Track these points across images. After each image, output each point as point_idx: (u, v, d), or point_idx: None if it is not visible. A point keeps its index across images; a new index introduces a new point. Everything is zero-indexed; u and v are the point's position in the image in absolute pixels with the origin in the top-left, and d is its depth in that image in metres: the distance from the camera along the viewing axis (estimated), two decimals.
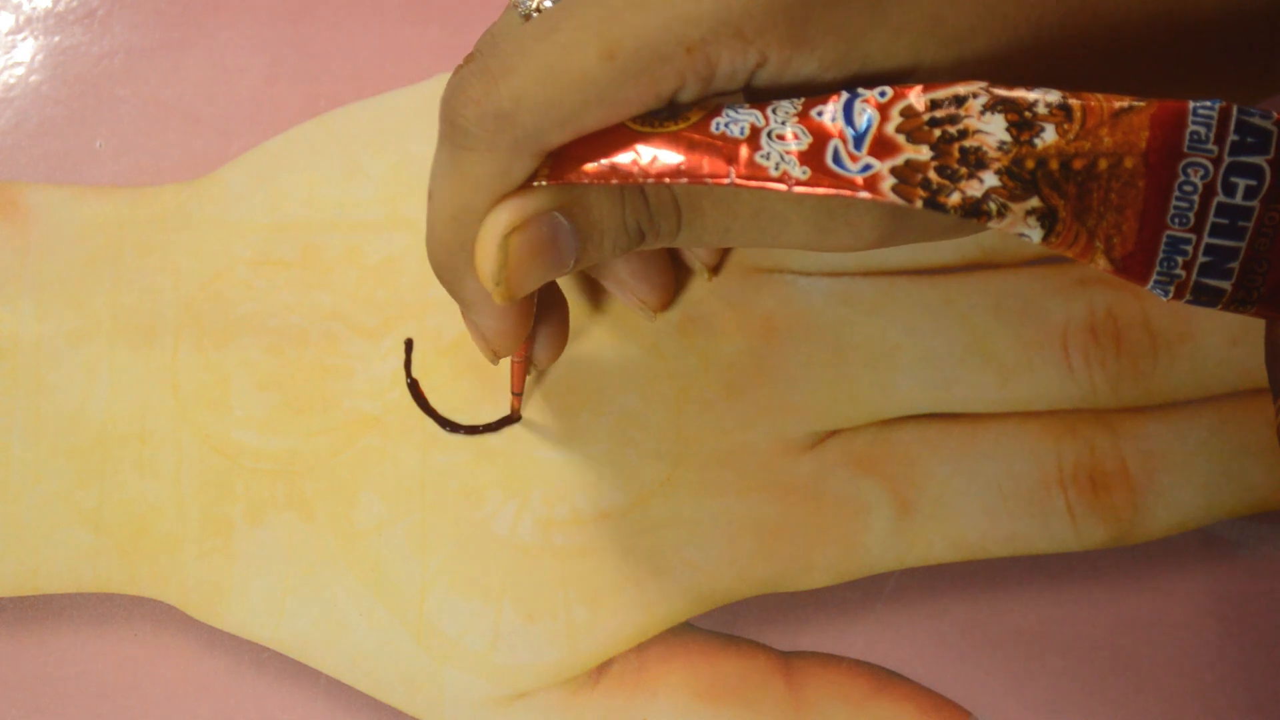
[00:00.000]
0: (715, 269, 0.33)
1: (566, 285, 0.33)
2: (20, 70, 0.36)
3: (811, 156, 0.22)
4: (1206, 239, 0.21)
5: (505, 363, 0.32)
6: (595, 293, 0.33)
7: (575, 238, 0.24)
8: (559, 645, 0.30)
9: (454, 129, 0.23)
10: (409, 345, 0.33)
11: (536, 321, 0.29)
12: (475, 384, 0.32)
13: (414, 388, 0.32)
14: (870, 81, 0.23)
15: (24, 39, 0.36)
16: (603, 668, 0.31)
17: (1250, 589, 0.32)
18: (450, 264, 0.25)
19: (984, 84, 0.21)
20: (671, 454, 0.32)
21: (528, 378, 0.32)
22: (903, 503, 0.31)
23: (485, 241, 0.24)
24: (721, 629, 0.31)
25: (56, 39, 0.36)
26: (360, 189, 0.34)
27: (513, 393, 0.31)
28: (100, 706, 0.31)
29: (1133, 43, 0.24)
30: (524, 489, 0.31)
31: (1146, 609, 0.31)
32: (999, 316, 0.32)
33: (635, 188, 0.24)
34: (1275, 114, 0.21)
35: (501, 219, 0.24)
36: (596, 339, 0.33)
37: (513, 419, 0.32)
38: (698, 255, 0.33)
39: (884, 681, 0.31)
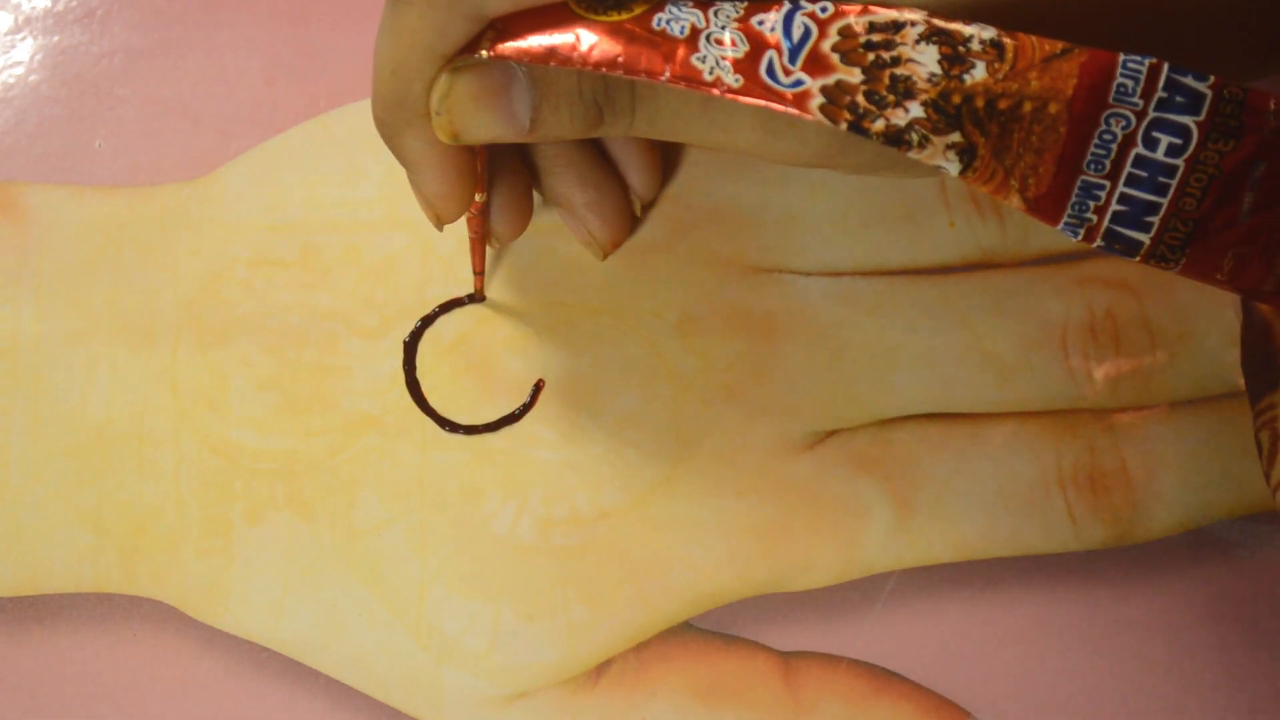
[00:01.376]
0: (648, 202, 0.33)
1: (568, 286, 0.33)
2: (19, 70, 0.36)
3: (746, 65, 0.22)
4: (1121, 188, 0.22)
5: (504, 363, 0.32)
6: (594, 293, 0.33)
7: (530, 94, 0.25)
8: (558, 645, 0.30)
9: None
10: (409, 345, 0.33)
11: (491, 192, 0.29)
12: (475, 384, 0.32)
13: (413, 387, 0.32)
14: None
15: (23, 39, 0.36)
16: (602, 667, 0.31)
17: (1249, 589, 0.32)
18: (390, 119, 0.25)
19: (924, 13, 0.22)
20: (671, 454, 0.32)
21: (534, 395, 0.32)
22: (902, 503, 0.31)
23: (437, 80, 0.24)
24: (720, 629, 0.31)
25: (56, 39, 0.36)
26: (359, 189, 0.34)
27: (474, 271, 0.31)
28: (99, 706, 0.31)
29: (1123, 12, 0.24)
30: (523, 489, 0.31)
31: (1145, 609, 0.31)
32: (998, 316, 0.32)
33: None
34: (1213, 77, 0.21)
35: (455, 61, 0.24)
36: (595, 339, 0.33)
37: (515, 417, 0.32)
38: (634, 184, 0.32)
39: (883, 681, 0.31)
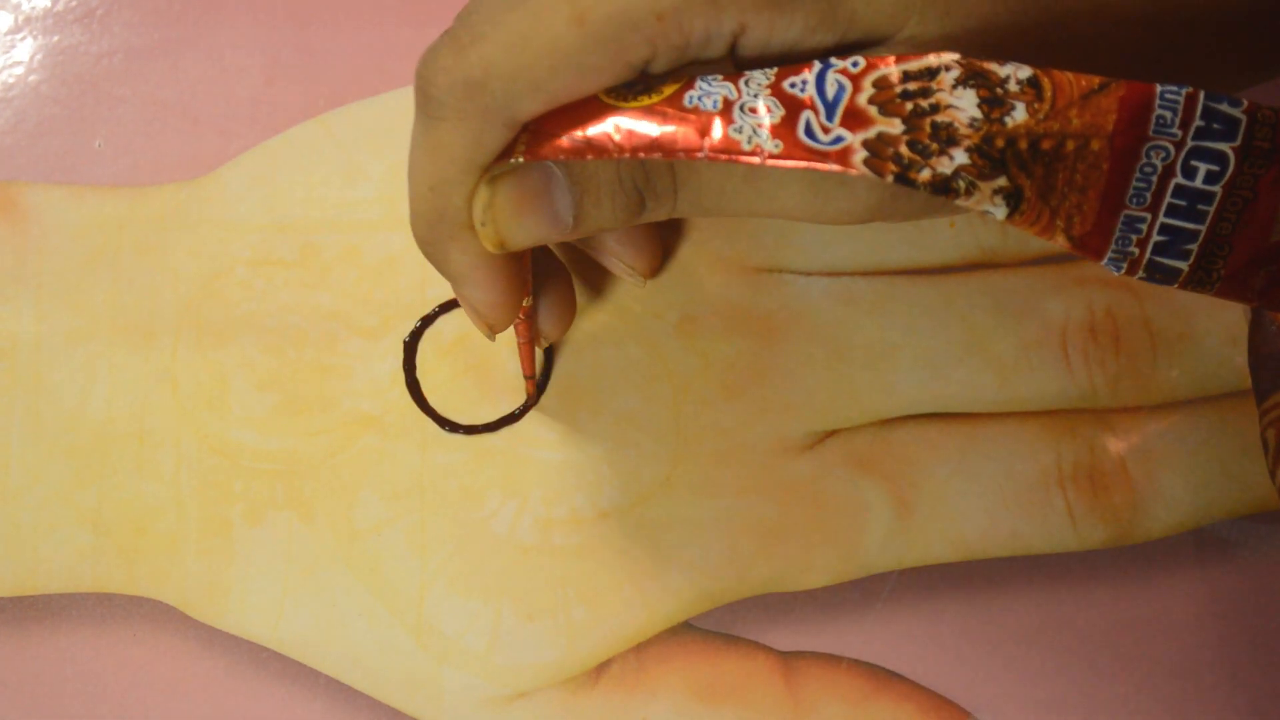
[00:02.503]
0: (648, 274, 0.32)
1: None
2: (19, 70, 0.36)
3: (783, 129, 0.22)
4: (1162, 219, 0.22)
5: (504, 363, 0.32)
6: (594, 293, 0.33)
7: (570, 192, 0.24)
8: (558, 645, 0.30)
9: (426, 99, 0.23)
10: (409, 345, 0.33)
11: (536, 294, 0.29)
12: (475, 384, 0.32)
13: (413, 387, 0.32)
14: (858, 45, 0.23)
15: (23, 38, 0.36)
16: (602, 667, 0.31)
17: (1249, 589, 0.32)
18: (432, 237, 0.25)
19: (957, 56, 0.21)
20: (671, 454, 0.32)
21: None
22: (902, 502, 0.31)
23: (478, 190, 0.24)
24: (721, 629, 0.31)
25: (55, 38, 0.36)
26: (359, 189, 0.34)
27: (525, 376, 0.31)
28: (99, 706, 0.31)
29: (1120, 24, 0.24)
30: (523, 489, 0.31)
31: (1145, 609, 0.31)
32: (998, 316, 0.32)
33: None
34: (1246, 102, 0.21)
35: (494, 168, 0.24)
36: (596, 339, 0.33)
37: (514, 417, 0.32)
38: (629, 262, 0.32)
39: (883, 681, 0.31)
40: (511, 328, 0.29)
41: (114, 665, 0.31)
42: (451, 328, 0.33)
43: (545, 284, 0.30)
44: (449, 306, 0.33)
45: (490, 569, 0.31)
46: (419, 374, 0.32)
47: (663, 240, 0.32)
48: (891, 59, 0.22)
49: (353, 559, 0.31)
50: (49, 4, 0.36)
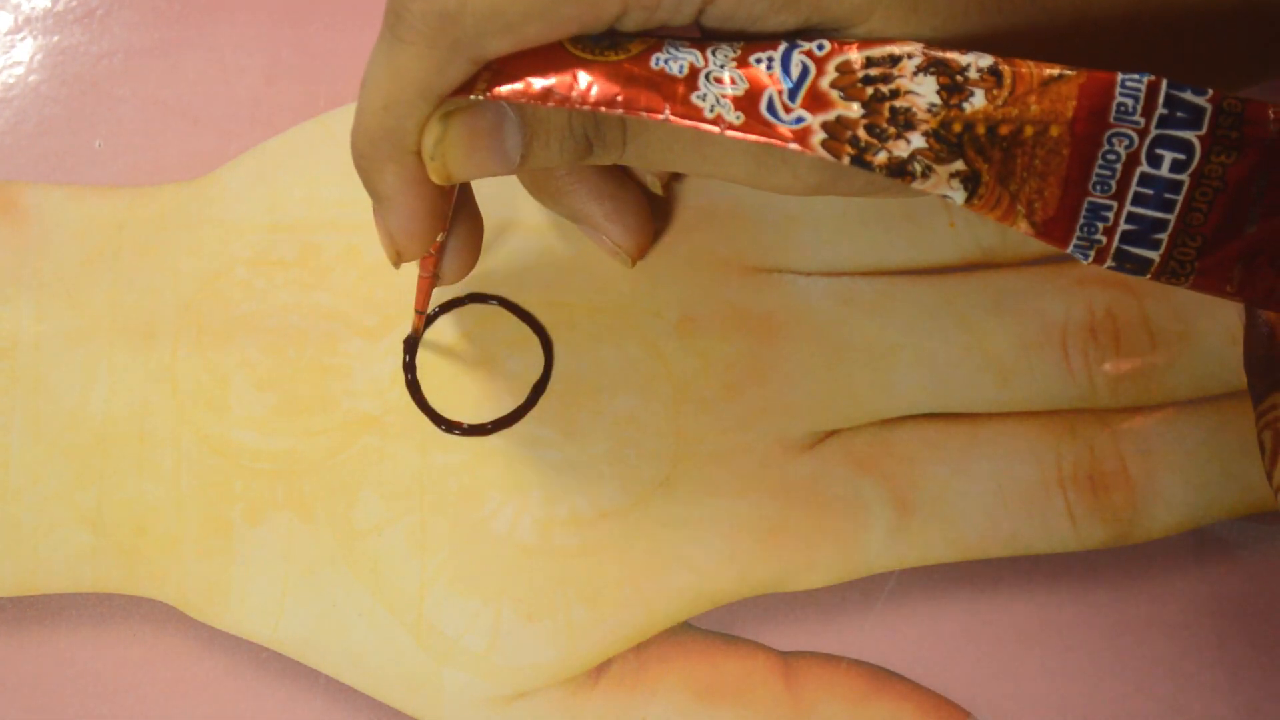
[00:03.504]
0: (667, 186, 0.33)
1: (567, 286, 0.33)
2: (19, 70, 0.36)
3: (746, 102, 0.22)
4: (1129, 207, 0.22)
5: (504, 363, 0.32)
6: (595, 293, 0.33)
7: (520, 132, 0.25)
8: (558, 645, 0.30)
9: (399, 20, 0.23)
10: (409, 344, 0.33)
11: (449, 232, 0.29)
12: (475, 384, 0.32)
13: (413, 387, 0.32)
14: (820, 30, 0.23)
15: (23, 38, 0.36)
16: (602, 667, 0.31)
17: (1249, 590, 0.32)
18: (371, 152, 0.25)
19: (921, 45, 0.22)
20: (671, 454, 0.32)
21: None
22: (902, 503, 0.31)
23: (431, 122, 0.24)
24: (721, 629, 0.31)
25: (55, 38, 0.36)
26: (359, 189, 0.33)
27: (415, 310, 0.31)
28: (99, 706, 0.31)
29: (1096, 29, 0.24)
30: (523, 489, 0.31)
31: (1145, 609, 0.31)
32: (998, 316, 0.32)
33: None
34: (1211, 90, 0.21)
35: (449, 103, 0.24)
36: (595, 340, 0.33)
37: (513, 418, 0.32)
38: (616, 240, 0.32)
39: (883, 681, 0.31)
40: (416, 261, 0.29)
41: (114, 665, 0.31)
42: (452, 328, 0.33)
43: (457, 223, 0.29)
44: (450, 306, 0.33)
45: (490, 569, 0.31)
46: (419, 374, 0.32)
47: (654, 224, 0.33)
48: (855, 45, 0.22)
49: (353, 559, 0.31)
50: (49, 4, 0.36)
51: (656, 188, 0.32)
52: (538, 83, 0.23)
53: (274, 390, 0.32)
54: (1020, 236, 0.33)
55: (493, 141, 0.25)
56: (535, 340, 0.33)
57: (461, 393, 0.32)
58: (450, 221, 0.29)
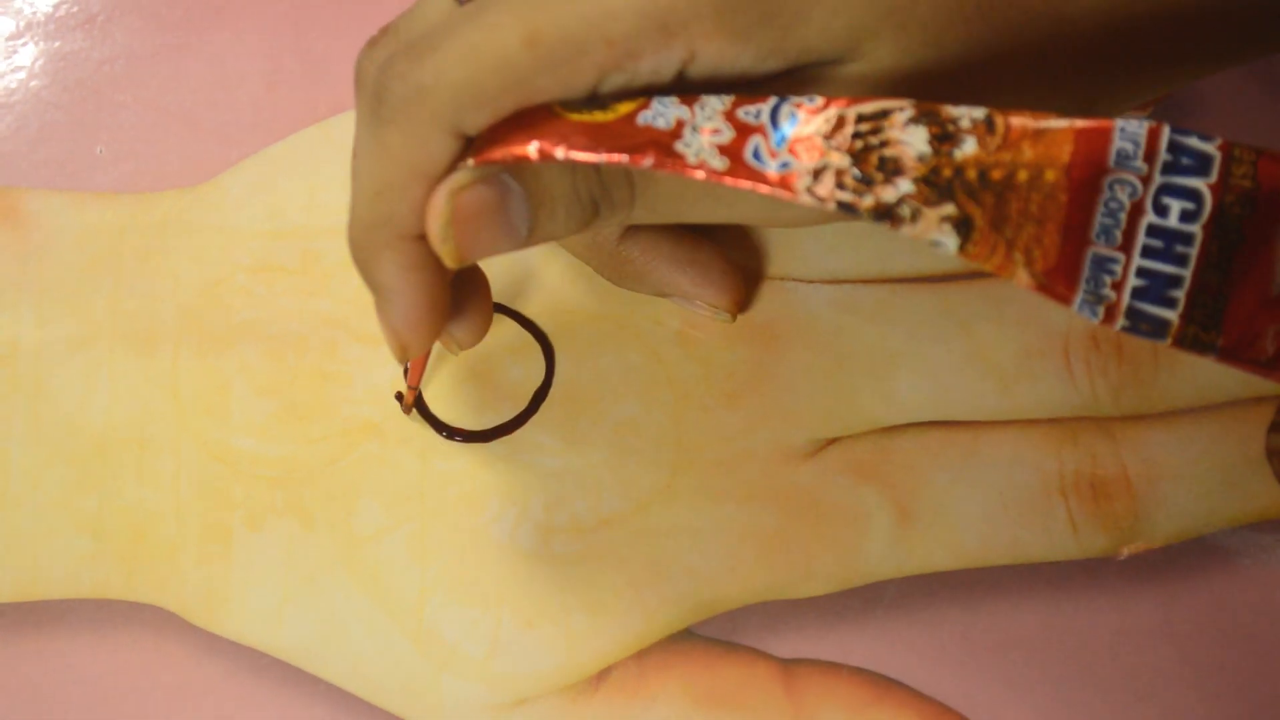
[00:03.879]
0: (736, 310, 0.32)
1: (569, 293, 0.33)
2: (21, 75, 0.36)
3: (731, 149, 0.21)
4: (1138, 260, 0.21)
5: (505, 370, 0.32)
6: (596, 300, 0.33)
7: (526, 203, 0.24)
8: (558, 652, 0.30)
9: (379, 102, 0.23)
10: None
11: (456, 308, 0.28)
12: (476, 390, 0.32)
13: (400, 397, 0.32)
14: (812, 66, 0.23)
15: (24, 44, 0.36)
16: (602, 675, 0.31)
17: (1250, 598, 0.32)
18: (367, 241, 0.25)
19: (912, 101, 0.21)
20: (671, 461, 0.32)
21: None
22: (903, 510, 0.31)
23: (436, 199, 0.24)
24: (721, 636, 0.31)
25: (57, 44, 0.36)
26: None
27: (409, 385, 0.31)
28: (99, 713, 0.31)
29: (1074, 27, 0.24)
30: (524, 496, 0.31)
31: (1147, 617, 0.31)
32: (1000, 324, 0.32)
33: None
34: (1220, 139, 0.20)
35: (452, 179, 0.23)
36: (596, 347, 0.33)
37: (513, 425, 0.32)
38: (711, 302, 0.32)
39: (884, 689, 0.31)
40: None
41: (113, 672, 0.31)
42: None
43: (463, 291, 0.28)
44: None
45: (490, 576, 0.31)
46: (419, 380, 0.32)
47: (740, 271, 0.32)
48: (846, 100, 0.21)
49: (353, 566, 0.31)
50: (51, 9, 0.36)
51: (729, 320, 0.32)
52: (524, 143, 0.22)
53: (274, 397, 0.32)
54: None
55: (499, 217, 0.24)
56: (537, 347, 0.32)
57: (462, 399, 0.32)
58: (457, 297, 0.28)
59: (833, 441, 0.32)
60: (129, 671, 0.31)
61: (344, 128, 0.34)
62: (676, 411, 0.32)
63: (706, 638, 0.31)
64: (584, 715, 0.30)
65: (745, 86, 0.23)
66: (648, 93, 0.23)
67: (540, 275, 0.33)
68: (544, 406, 0.32)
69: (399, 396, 0.32)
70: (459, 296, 0.28)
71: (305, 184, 0.34)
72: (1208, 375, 0.32)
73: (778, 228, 0.29)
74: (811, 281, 0.33)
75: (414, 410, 0.32)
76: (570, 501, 0.31)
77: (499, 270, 0.33)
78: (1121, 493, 0.31)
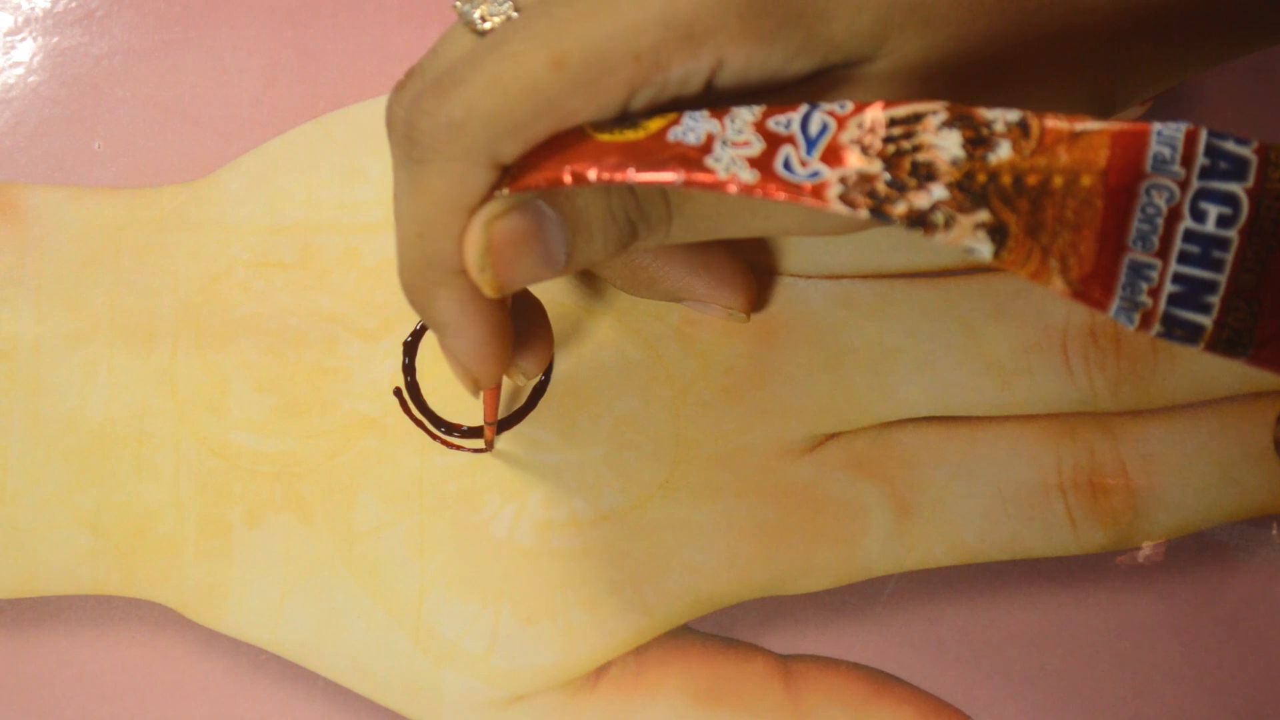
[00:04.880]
0: (749, 309, 0.32)
1: (568, 289, 0.33)
2: (19, 71, 0.36)
3: (762, 161, 0.21)
4: (1175, 266, 0.20)
5: None
6: (594, 296, 0.33)
7: (563, 229, 0.24)
8: (557, 648, 0.30)
9: (412, 143, 0.23)
10: (409, 346, 0.32)
11: (517, 339, 0.28)
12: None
13: (413, 389, 0.32)
14: (840, 66, 0.23)
15: (23, 40, 0.36)
16: (601, 670, 0.31)
17: (1249, 593, 0.32)
18: (420, 283, 0.25)
19: (945, 103, 0.21)
20: (670, 457, 0.32)
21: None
22: (902, 506, 0.31)
23: (471, 230, 0.23)
24: (720, 632, 0.31)
25: (55, 40, 0.36)
26: (359, 190, 0.34)
27: (485, 423, 0.30)
28: (98, 709, 0.31)
29: (1092, 12, 0.24)
30: (523, 491, 0.31)
31: (1146, 612, 0.31)
32: (999, 320, 0.32)
33: None
34: (1256, 142, 0.20)
35: (486, 209, 0.23)
36: (595, 342, 0.33)
37: (512, 421, 0.32)
38: (727, 304, 0.32)
39: (883, 685, 0.31)
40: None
41: (112, 667, 0.31)
42: None
43: (522, 321, 0.29)
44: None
45: (489, 572, 0.31)
46: (418, 376, 0.32)
47: (751, 270, 0.32)
48: (879, 104, 0.21)
49: (352, 561, 0.31)
50: (49, 5, 0.36)
51: (744, 320, 0.32)
52: (558, 167, 0.22)
53: (273, 392, 0.32)
54: None
55: (537, 244, 0.24)
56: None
57: (461, 394, 0.32)
58: (517, 329, 0.28)
59: (832, 437, 0.32)
60: (128, 667, 0.31)
61: (343, 123, 0.34)
62: (675, 407, 0.32)
63: (705, 633, 0.31)
64: (583, 711, 0.30)
65: (776, 92, 0.23)
66: (678, 106, 0.22)
67: None
68: (543, 402, 0.32)
69: (397, 392, 0.32)
70: (518, 325, 0.28)
71: (304, 179, 0.34)
72: (1206, 371, 0.32)
73: (819, 235, 0.29)
74: (810, 277, 0.33)
75: (412, 407, 0.32)
76: (569, 497, 0.31)
77: None
78: (1120, 488, 0.31)
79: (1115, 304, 0.21)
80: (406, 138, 0.23)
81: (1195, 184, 0.20)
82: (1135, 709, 0.31)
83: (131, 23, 0.36)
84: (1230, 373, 0.32)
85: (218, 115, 0.35)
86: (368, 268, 0.33)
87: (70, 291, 0.33)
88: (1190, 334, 0.21)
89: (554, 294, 0.33)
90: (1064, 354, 0.32)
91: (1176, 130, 0.20)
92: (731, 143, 0.22)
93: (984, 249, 0.20)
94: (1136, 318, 0.20)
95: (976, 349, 0.32)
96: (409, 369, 0.32)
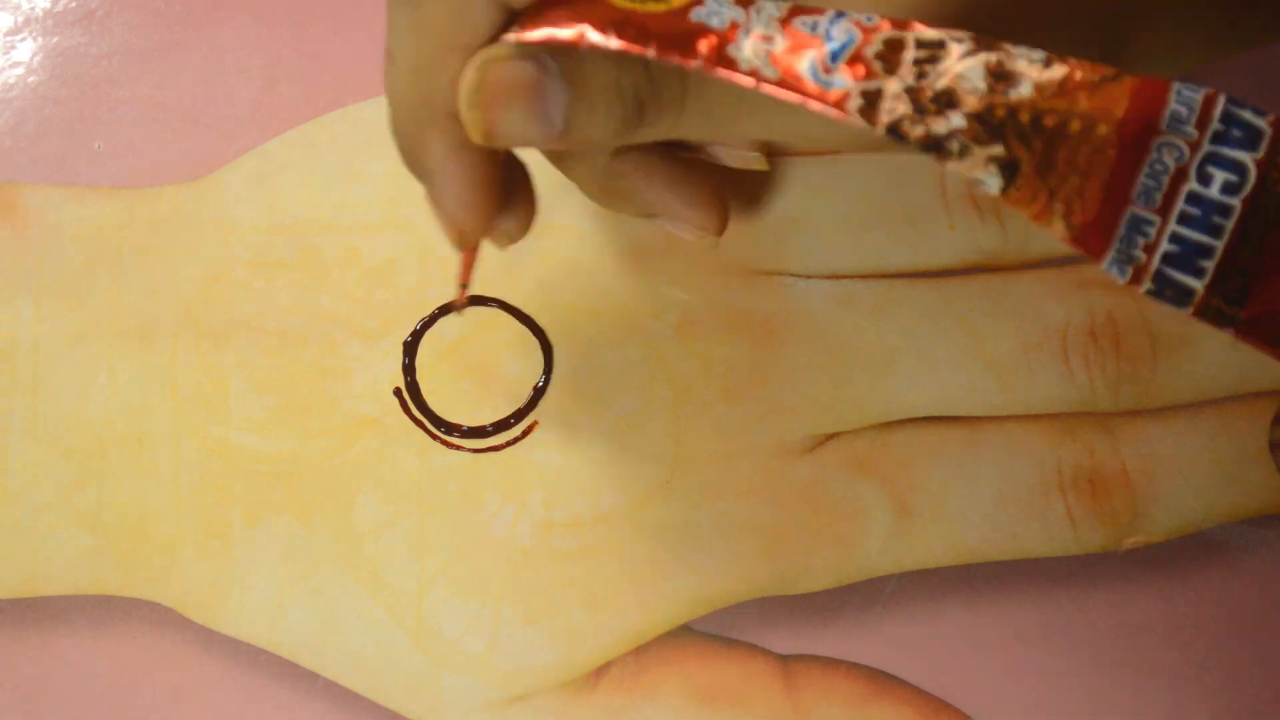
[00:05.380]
0: (719, 231, 0.30)
1: (568, 288, 0.33)
2: (19, 71, 0.36)
3: (785, 60, 0.21)
4: (1173, 225, 0.21)
5: (504, 366, 0.32)
6: (594, 296, 0.33)
7: (565, 93, 0.23)
8: (557, 648, 0.30)
9: None
10: (409, 346, 0.32)
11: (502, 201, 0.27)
12: (475, 386, 0.32)
13: (413, 389, 0.32)
14: None
15: (23, 39, 0.36)
16: (601, 670, 0.31)
17: (1249, 593, 0.32)
18: (411, 122, 0.24)
19: (972, 34, 0.21)
20: (670, 457, 0.32)
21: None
22: (902, 506, 0.31)
23: (468, 66, 0.22)
24: (720, 632, 0.31)
25: (55, 40, 0.36)
26: (359, 190, 0.34)
27: (460, 284, 0.29)
28: (98, 708, 0.31)
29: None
30: (523, 491, 0.31)
31: (1145, 612, 0.31)
32: (998, 319, 0.32)
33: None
34: (1272, 115, 0.20)
35: (488, 49, 0.22)
36: (595, 341, 0.33)
37: (487, 430, 0.32)
38: (699, 224, 0.30)
39: (883, 685, 0.31)
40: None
41: (112, 667, 0.31)
42: (451, 330, 0.33)
43: (507, 185, 0.27)
44: (449, 309, 0.33)
45: (489, 572, 0.31)
46: (418, 376, 0.32)
47: (725, 194, 0.30)
48: (905, 23, 0.21)
49: (352, 561, 0.31)
50: (49, 5, 0.36)
51: (761, 163, 0.29)
52: (569, 27, 0.22)
53: (273, 392, 0.32)
54: (1021, 239, 0.33)
55: (534, 97, 0.22)
56: (535, 343, 0.32)
57: (461, 395, 0.32)
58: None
59: (831, 437, 0.32)
60: (128, 667, 0.31)
61: (344, 123, 0.34)
62: (675, 407, 0.32)
63: (705, 633, 0.31)
64: (583, 711, 0.30)
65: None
66: None
67: (539, 271, 0.33)
68: (543, 402, 0.32)
69: (397, 392, 0.32)
70: (503, 188, 0.26)
71: (304, 179, 0.34)
72: (1206, 370, 0.32)
73: (820, 150, 0.27)
74: (810, 277, 0.33)
75: (412, 407, 0.32)
76: (569, 497, 0.31)
77: (496, 265, 0.33)
78: (1120, 488, 0.31)
79: (1110, 255, 0.21)
80: None
81: (1206, 147, 0.20)
82: (1136, 709, 0.31)
83: (132, 23, 0.36)
84: (1230, 373, 0.32)
85: (218, 115, 0.35)
86: (368, 268, 0.33)
87: (70, 292, 0.33)
88: (1180, 296, 0.21)
89: (554, 293, 0.33)
90: (1064, 354, 0.32)
91: (1196, 92, 0.20)
92: (755, 34, 0.21)
93: (993, 182, 0.20)
94: (1129, 271, 0.21)
95: (976, 349, 0.32)
96: (409, 369, 0.32)
